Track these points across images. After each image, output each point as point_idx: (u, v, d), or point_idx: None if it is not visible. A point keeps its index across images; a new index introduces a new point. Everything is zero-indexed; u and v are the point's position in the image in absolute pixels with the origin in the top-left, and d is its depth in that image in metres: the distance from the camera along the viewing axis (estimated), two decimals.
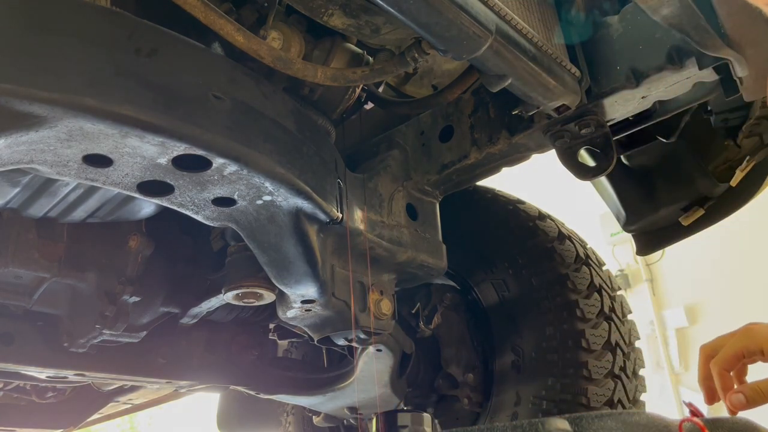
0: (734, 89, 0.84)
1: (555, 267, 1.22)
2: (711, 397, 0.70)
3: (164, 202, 0.72)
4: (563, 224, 1.34)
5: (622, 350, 1.19)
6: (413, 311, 1.39)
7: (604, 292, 1.22)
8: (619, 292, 1.29)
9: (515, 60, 0.75)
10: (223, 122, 0.67)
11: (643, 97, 0.89)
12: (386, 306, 0.93)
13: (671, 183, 1.24)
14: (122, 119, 0.60)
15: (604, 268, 1.30)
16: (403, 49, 0.78)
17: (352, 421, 1.45)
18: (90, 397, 1.33)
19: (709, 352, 0.71)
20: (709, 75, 0.83)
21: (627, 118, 0.99)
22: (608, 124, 0.92)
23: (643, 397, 1.26)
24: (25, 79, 0.57)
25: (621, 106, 0.90)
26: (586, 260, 1.25)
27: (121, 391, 1.35)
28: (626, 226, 1.33)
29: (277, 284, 0.86)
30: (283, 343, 1.48)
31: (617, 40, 0.85)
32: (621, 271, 3.65)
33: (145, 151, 0.64)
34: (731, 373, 0.68)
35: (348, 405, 1.32)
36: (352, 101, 0.97)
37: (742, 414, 0.67)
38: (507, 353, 1.24)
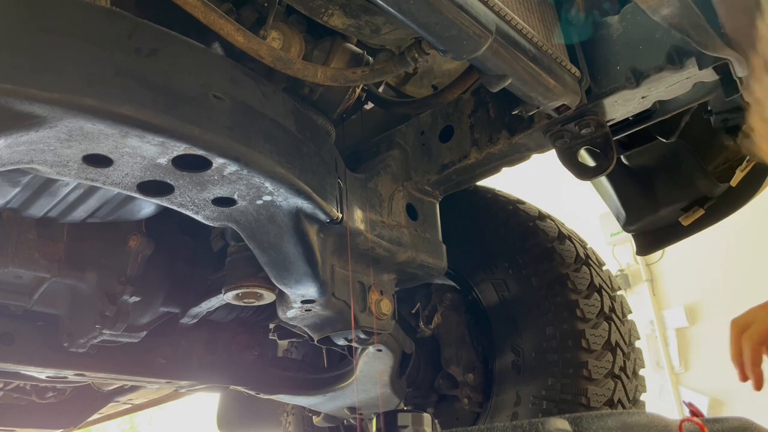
0: (734, 89, 0.84)
1: (555, 267, 1.22)
2: (745, 374, 0.68)
3: (164, 202, 0.72)
4: (563, 224, 1.34)
5: (622, 350, 1.19)
6: (413, 311, 1.39)
7: (604, 292, 1.22)
8: (619, 292, 1.29)
9: (515, 60, 0.75)
10: (223, 122, 0.67)
11: (643, 97, 0.89)
12: (386, 306, 0.93)
13: (671, 183, 1.24)
14: (122, 119, 0.60)
15: (604, 268, 1.30)
16: (403, 49, 0.78)
17: (352, 421, 1.45)
18: (90, 397, 1.33)
19: (741, 328, 0.69)
20: (709, 75, 0.83)
21: (627, 118, 0.99)
22: (608, 124, 0.92)
23: (643, 397, 1.26)
24: (25, 79, 0.56)
25: (621, 106, 0.90)
26: (586, 260, 1.25)
27: (121, 391, 1.35)
28: (626, 226, 1.33)
29: (277, 284, 0.86)
30: (283, 343, 1.48)
31: (617, 40, 0.85)
32: (621, 271, 3.65)
33: (145, 151, 0.64)
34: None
35: (348, 405, 1.32)
36: (352, 101, 0.97)
37: (743, 414, 0.67)
38: (507, 353, 1.24)
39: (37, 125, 0.59)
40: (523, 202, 1.35)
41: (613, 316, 1.21)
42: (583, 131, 0.91)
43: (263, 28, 0.80)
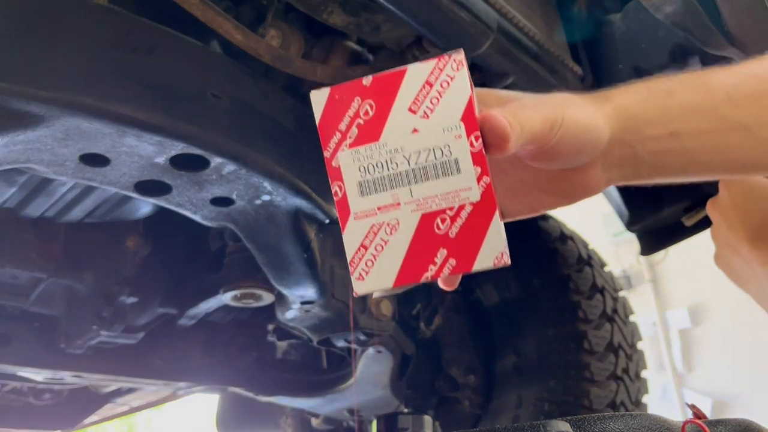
0: None
1: (557, 268, 1.21)
2: None
3: (162, 202, 0.72)
4: (565, 224, 1.33)
5: (624, 352, 1.18)
6: (414, 312, 1.38)
7: (606, 293, 1.21)
8: (621, 293, 1.28)
9: (517, 58, 0.74)
10: (222, 121, 0.66)
11: None
12: (386, 307, 0.93)
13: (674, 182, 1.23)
14: (120, 118, 0.59)
15: (606, 268, 1.29)
16: (404, 47, 0.77)
17: (351, 423, 1.45)
18: (87, 399, 1.33)
19: None
20: None
21: None
22: None
23: (645, 398, 1.25)
24: (21, 78, 0.56)
25: None
26: (588, 261, 1.24)
27: (119, 392, 1.34)
28: (629, 225, 1.32)
29: (276, 285, 0.85)
30: (283, 345, 1.47)
31: (620, 38, 0.84)
32: (623, 271, 3.63)
33: (143, 151, 0.63)
34: None
35: (348, 407, 1.31)
36: None
37: (745, 415, 0.66)
38: (508, 355, 1.23)
39: (34, 124, 0.58)
40: None
41: (616, 317, 1.20)
42: None
43: (262, 26, 0.79)
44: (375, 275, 0.34)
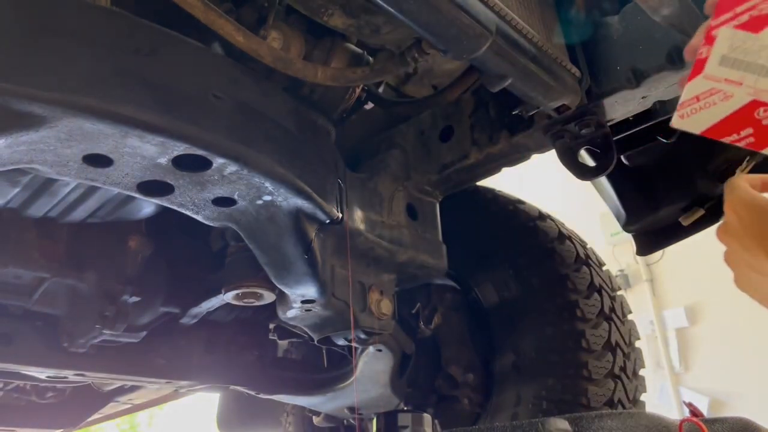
0: None
1: (555, 267, 1.21)
2: None
3: (164, 202, 0.72)
4: (563, 224, 1.34)
5: (622, 350, 1.19)
6: (413, 311, 1.39)
7: (604, 293, 1.22)
8: (619, 292, 1.29)
9: (515, 60, 0.75)
10: (224, 122, 0.67)
11: (643, 97, 0.89)
12: (386, 306, 0.93)
13: (671, 183, 1.24)
14: (122, 119, 0.60)
15: (604, 268, 1.30)
16: (403, 49, 0.78)
17: (352, 421, 1.45)
18: (90, 397, 1.33)
19: None
20: None
21: (627, 118, 0.99)
22: (608, 124, 0.92)
23: (643, 397, 1.26)
24: (24, 79, 0.56)
25: (621, 106, 0.90)
26: (586, 260, 1.25)
27: (121, 391, 1.35)
28: (626, 226, 1.33)
29: (277, 284, 0.86)
30: (284, 343, 1.48)
31: (617, 40, 0.85)
32: (621, 271, 3.64)
33: (145, 151, 0.64)
34: None
35: (348, 405, 1.32)
36: (353, 101, 0.97)
37: (742, 413, 0.67)
38: (507, 353, 1.23)
39: (37, 125, 0.59)
40: (523, 202, 1.35)
41: (614, 316, 1.21)
42: (583, 131, 0.90)
43: (263, 27, 0.80)
44: (693, 120, 0.45)
